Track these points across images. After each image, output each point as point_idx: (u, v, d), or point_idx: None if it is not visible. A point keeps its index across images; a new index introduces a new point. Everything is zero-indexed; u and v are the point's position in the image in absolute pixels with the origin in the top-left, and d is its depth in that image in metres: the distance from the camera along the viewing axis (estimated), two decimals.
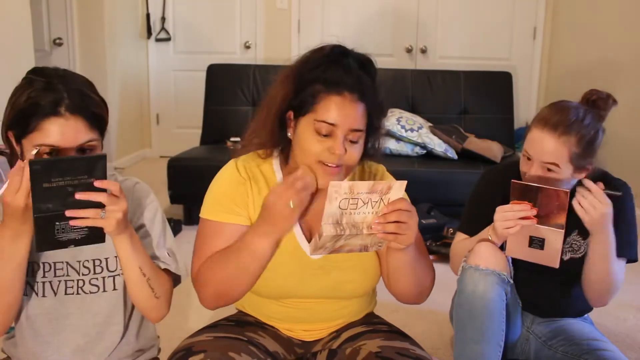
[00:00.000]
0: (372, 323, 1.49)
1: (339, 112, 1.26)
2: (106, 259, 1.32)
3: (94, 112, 1.20)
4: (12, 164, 1.24)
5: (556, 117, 1.56)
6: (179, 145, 4.33)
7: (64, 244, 1.12)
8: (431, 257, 3.04)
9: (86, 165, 1.09)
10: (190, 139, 4.51)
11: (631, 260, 1.67)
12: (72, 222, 1.10)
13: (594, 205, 1.51)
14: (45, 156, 1.16)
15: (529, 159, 1.61)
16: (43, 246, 1.12)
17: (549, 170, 1.56)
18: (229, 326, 1.43)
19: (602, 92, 1.63)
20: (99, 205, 1.11)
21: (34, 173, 1.05)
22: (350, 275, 1.41)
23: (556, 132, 1.54)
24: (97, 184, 1.10)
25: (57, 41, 4.41)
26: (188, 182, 3.52)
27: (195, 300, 1.42)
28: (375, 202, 1.19)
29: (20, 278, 1.21)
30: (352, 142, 1.30)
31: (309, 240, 1.34)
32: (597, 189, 1.52)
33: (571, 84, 4.55)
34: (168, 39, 5.36)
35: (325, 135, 1.28)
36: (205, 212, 1.40)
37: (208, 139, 4.11)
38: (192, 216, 3.63)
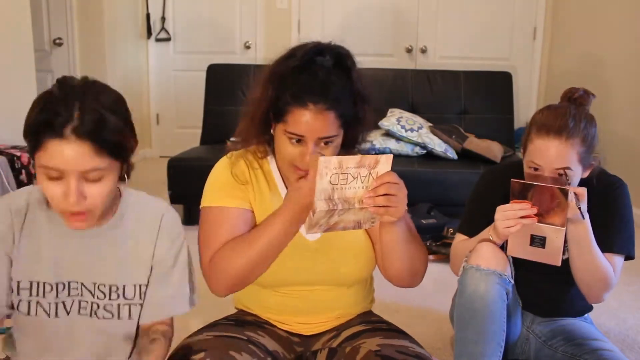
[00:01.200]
0: (371, 322, 1.50)
1: (306, 125, 1.30)
2: (124, 286, 1.26)
3: (106, 138, 1.09)
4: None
5: (557, 122, 1.56)
6: (179, 145, 4.33)
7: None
8: (431, 257, 3.04)
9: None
10: (190, 139, 4.51)
11: (629, 257, 1.67)
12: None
13: None
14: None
15: (535, 169, 1.58)
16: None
17: (560, 175, 1.55)
18: (229, 325, 1.43)
19: (579, 88, 1.65)
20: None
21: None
22: (344, 259, 1.44)
23: (562, 136, 1.54)
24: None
25: (57, 41, 4.41)
26: (188, 182, 3.50)
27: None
28: (365, 177, 1.22)
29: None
30: (326, 143, 1.32)
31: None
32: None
33: (571, 84, 4.49)
34: (168, 39, 5.36)
35: (298, 141, 1.32)
36: (207, 200, 1.42)
37: (208, 139, 4.11)
38: (192, 216, 3.62)
